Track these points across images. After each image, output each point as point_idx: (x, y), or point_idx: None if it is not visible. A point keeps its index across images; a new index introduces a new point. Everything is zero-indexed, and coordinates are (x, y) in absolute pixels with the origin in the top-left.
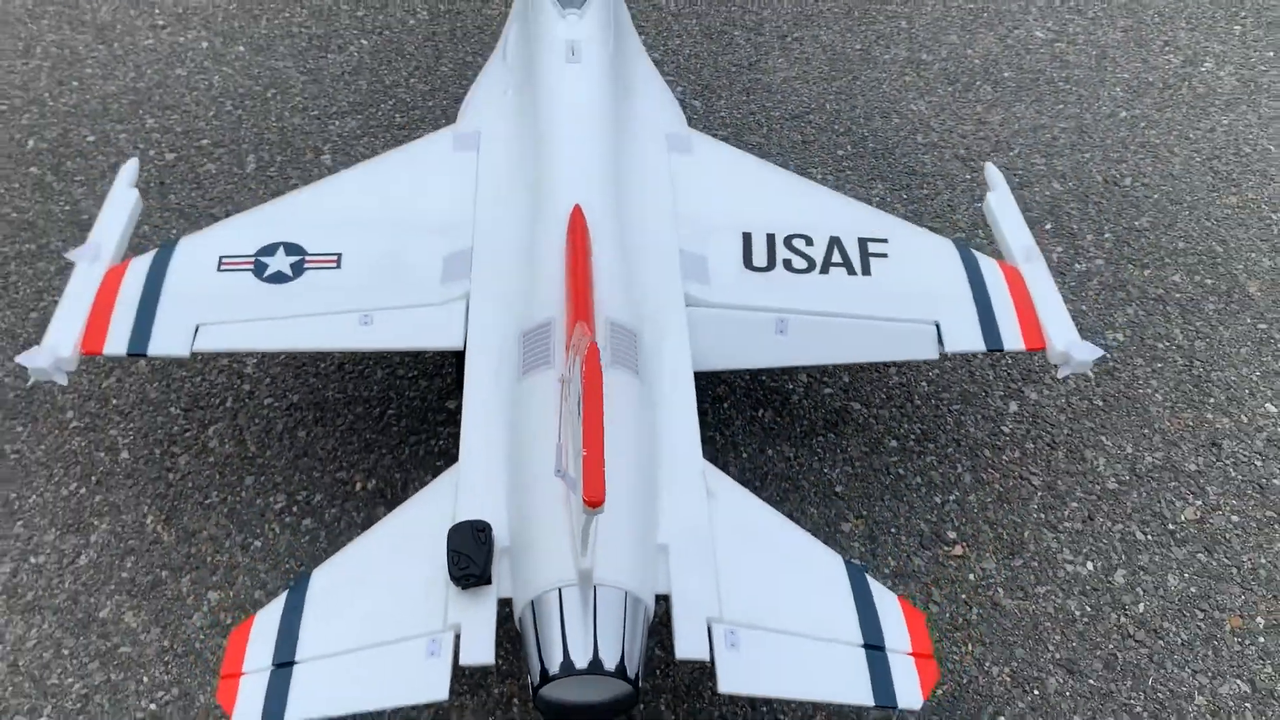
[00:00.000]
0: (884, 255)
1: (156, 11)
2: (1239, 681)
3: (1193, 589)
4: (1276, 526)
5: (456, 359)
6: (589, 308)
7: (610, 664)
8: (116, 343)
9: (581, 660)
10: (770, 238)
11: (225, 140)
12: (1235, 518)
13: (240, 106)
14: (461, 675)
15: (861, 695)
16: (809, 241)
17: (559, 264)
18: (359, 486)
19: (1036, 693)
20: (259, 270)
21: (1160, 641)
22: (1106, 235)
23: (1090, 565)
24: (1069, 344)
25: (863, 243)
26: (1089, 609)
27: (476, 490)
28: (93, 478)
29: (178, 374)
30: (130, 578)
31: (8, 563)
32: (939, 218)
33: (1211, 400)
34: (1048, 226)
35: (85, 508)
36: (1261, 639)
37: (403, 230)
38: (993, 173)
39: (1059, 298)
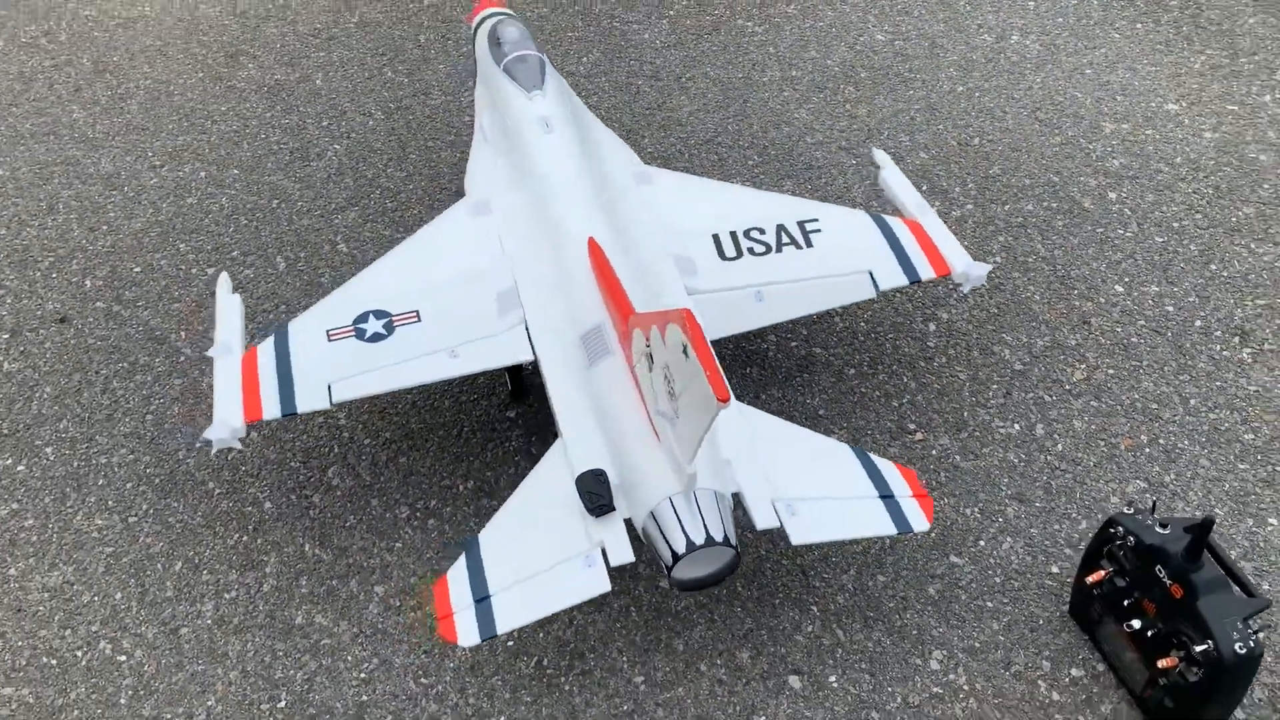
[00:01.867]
0: (819, 230)
1: (150, 154)
2: (1139, 481)
3: (1092, 427)
4: (1139, 372)
5: (510, 376)
6: (630, 307)
7: (718, 537)
8: (271, 409)
9: (699, 538)
10: (733, 234)
11: (252, 249)
12: (1111, 371)
13: (253, 219)
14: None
15: (887, 528)
16: (761, 231)
17: (590, 283)
18: (461, 488)
19: (1000, 520)
20: (360, 335)
21: (1078, 467)
22: (970, 185)
23: (1016, 426)
24: (966, 265)
25: (800, 224)
26: (1023, 456)
27: (582, 450)
28: (249, 526)
29: (285, 436)
30: (309, 591)
31: (208, 601)
32: (841, 198)
33: (1075, 291)
34: (924, 188)
35: (252, 549)
36: (1148, 449)
37: (457, 283)
38: (880, 155)
39: (951, 235)
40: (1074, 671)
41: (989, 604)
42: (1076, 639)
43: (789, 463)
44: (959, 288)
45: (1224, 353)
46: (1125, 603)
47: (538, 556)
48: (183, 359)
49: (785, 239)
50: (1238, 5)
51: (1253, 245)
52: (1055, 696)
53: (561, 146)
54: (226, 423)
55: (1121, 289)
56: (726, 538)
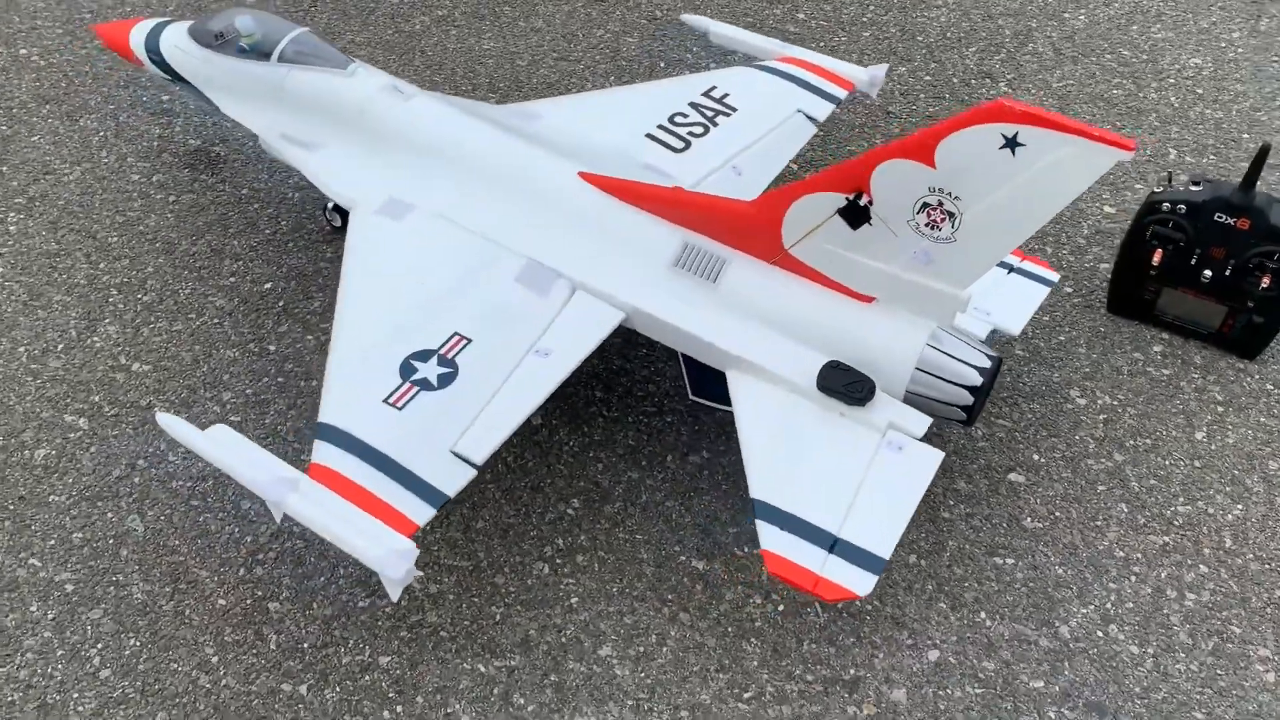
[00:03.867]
0: (727, 94)
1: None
2: None
3: None
4: None
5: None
6: (727, 201)
7: (991, 353)
8: (421, 511)
9: (982, 361)
10: (663, 128)
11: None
12: None
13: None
14: None
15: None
16: (684, 115)
17: (632, 212)
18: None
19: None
20: (424, 385)
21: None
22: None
23: None
24: (867, 73)
25: (707, 94)
26: None
27: (789, 355)
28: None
29: None
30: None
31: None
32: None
33: None
34: None
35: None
36: None
37: (465, 286)
38: (692, 19)
39: (825, 56)
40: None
41: None
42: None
43: None
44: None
45: None
46: (1191, 262)
47: (840, 477)
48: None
49: (709, 112)
50: None
51: None
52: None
53: (437, 107)
54: (392, 563)
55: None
56: (993, 355)
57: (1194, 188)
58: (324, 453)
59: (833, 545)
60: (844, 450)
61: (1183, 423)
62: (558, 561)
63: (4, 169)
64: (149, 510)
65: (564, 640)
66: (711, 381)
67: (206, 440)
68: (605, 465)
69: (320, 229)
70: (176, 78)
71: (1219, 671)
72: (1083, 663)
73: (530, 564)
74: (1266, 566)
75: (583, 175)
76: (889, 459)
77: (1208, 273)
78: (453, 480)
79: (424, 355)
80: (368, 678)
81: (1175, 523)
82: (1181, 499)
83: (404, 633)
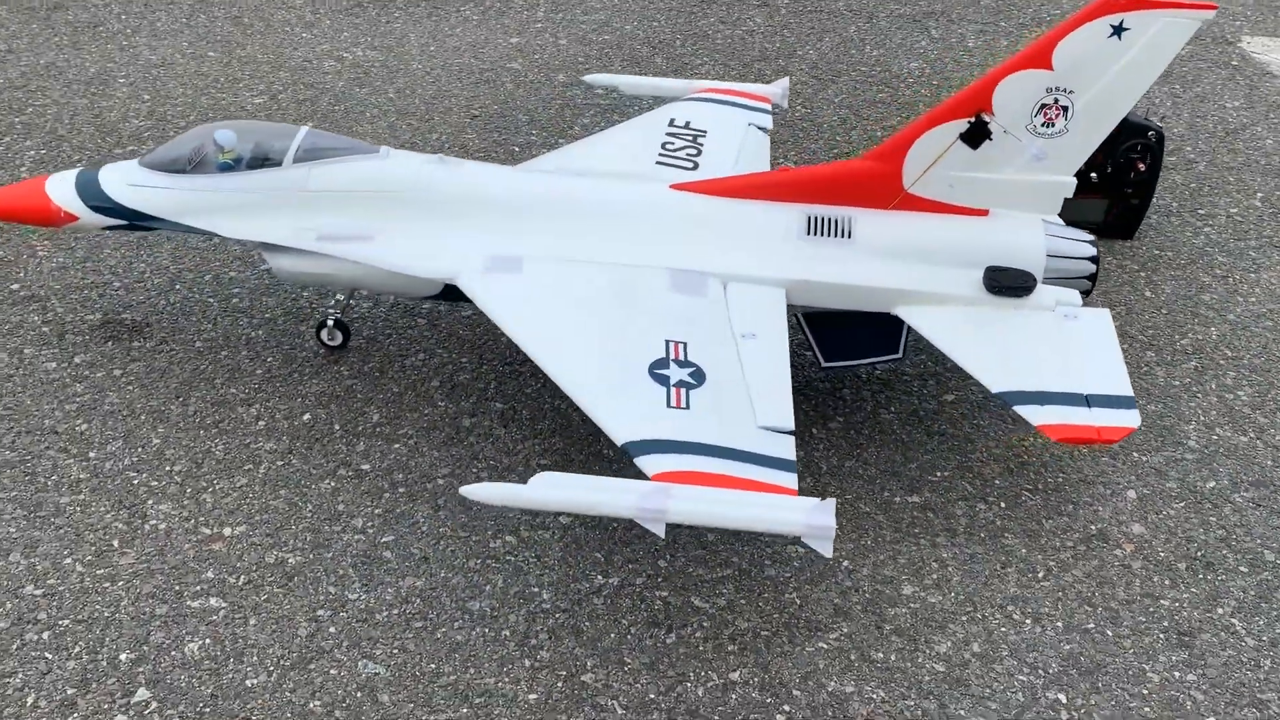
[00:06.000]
0: (689, 121)
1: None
2: None
3: None
4: None
5: None
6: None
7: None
8: (787, 481)
9: (1087, 236)
10: (664, 154)
11: None
12: None
13: None
14: None
15: None
16: (674, 139)
17: (737, 207)
18: None
19: None
20: (687, 385)
21: None
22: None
23: None
24: (778, 88)
25: (674, 125)
26: None
27: (944, 277)
28: None
29: None
30: None
31: None
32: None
33: None
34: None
35: None
36: None
37: (632, 307)
38: (597, 78)
39: (728, 83)
40: None
41: None
42: None
43: None
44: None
45: None
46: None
47: (1048, 352)
48: None
49: (690, 136)
50: None
51: None
52: None
53: (490, 167)
54: (812, 511)
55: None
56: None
57: None
58: (654, 462)
59: (1088, 401)
60: (1035, 333)
61: None
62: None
63: None
64: (375, 651)
65: (869, 596)
66: (840, 342)
67: (535, 490)
68: None
69: (314, 353)
70: (134, 221)
71: None
72: None
73: (782, 549)
74: None
75: (674, 186)
76: (1072, 326)
77: (1094, 175)
78: (784, 447)
79: (662, 364)
80: (734, 695)
81: None
82: None
83: (730, 646)
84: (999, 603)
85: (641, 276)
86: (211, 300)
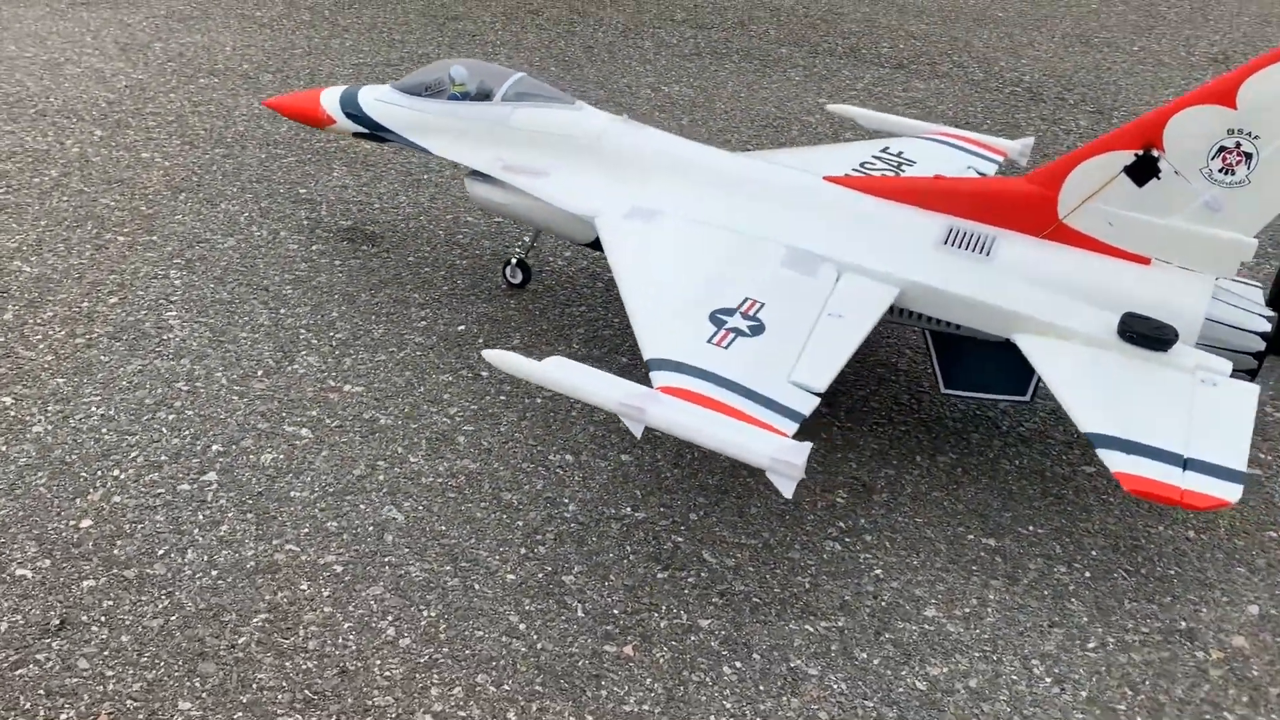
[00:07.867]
0: (902, 152)
1: None
2: None
3: None
4: None
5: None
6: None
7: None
8: (787, 426)
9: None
10: (857, 170)
11: None
12: None
13: None
14: None
15: None
16: (875, 159)
17: (887, 205)
18: None
19: None
20: (740, 333)
21: None
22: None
23: None
24: (1018, 145)
25: (885, 152)
26: None
27: (1078, 313)
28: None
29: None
30: None
31: None
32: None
33: None
34: None
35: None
36: None
37: (738, 269)
38: (838, 108)
39: (971, 132)
40: None
41: None
42: None
43: None
44: None
45: None
46: None
47: (1165, 410)
48: None
49: (894, 163)
50: None
51: None
52: None
53: (669, 135)
54: (784, 447)
55: None
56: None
57: None
58: (666, 378)
59: (1184, 464)
60: (1157, 388)
61: None
62: (847, 540)
63: (154, 238)
64: (404, 503)
65: (884, 604)
66: (965, 370)
67: (545, 369)
68: (858, 464)
69: (496, 285)
70: (373, 131)
71: None
72: None
73: (820, 542)
74: None
75: (828, 179)
76: (1207, 393)
77: None
78: (804, 403)
79: (727, 312)
80: (693, 638)
81: None
82: None
83: (715, 599)
84: (1024, 654)
85: (760, 246)
86: (440, 233)
